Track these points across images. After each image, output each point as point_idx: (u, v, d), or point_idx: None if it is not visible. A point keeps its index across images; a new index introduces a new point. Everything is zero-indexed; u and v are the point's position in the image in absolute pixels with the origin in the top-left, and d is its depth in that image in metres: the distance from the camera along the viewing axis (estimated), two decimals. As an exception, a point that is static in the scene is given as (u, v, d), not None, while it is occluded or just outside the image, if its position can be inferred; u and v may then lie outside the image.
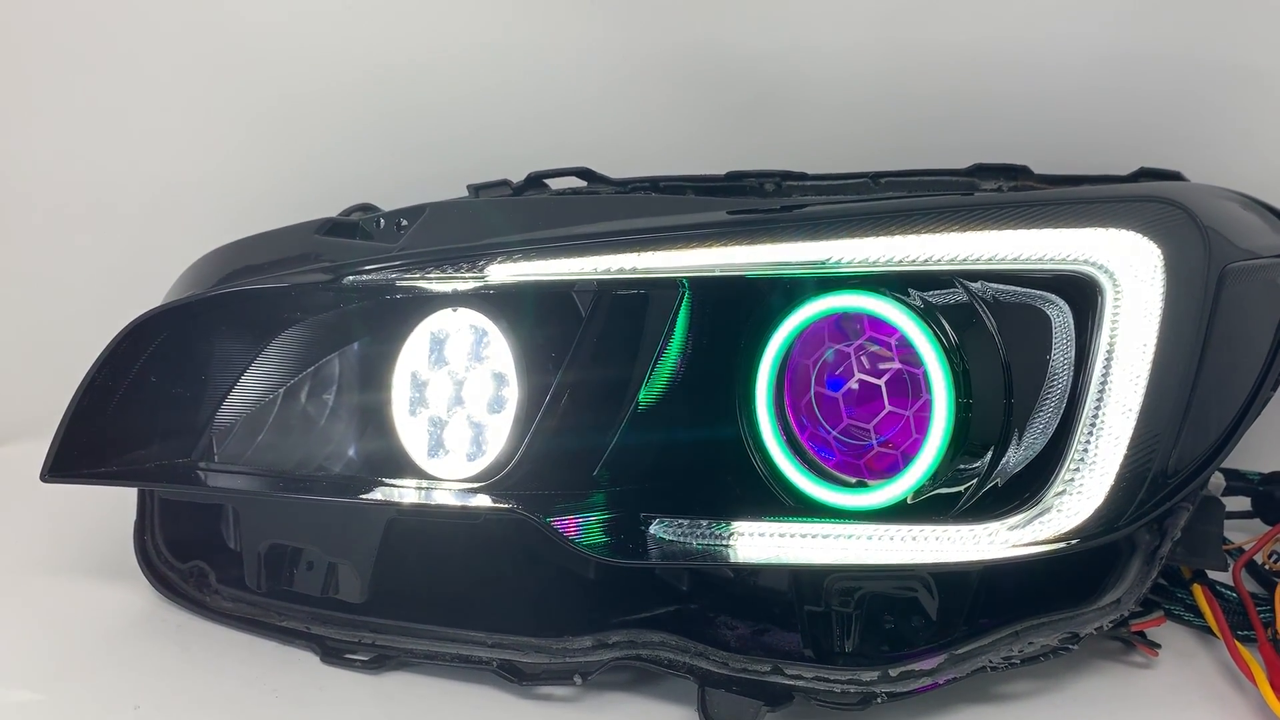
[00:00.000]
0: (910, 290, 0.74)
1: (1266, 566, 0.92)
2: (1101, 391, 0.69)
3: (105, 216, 1.34)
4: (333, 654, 0.87)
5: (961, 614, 0.76)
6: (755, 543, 0.75)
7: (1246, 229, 0.81)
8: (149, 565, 0.98)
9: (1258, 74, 1.08)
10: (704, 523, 0.76)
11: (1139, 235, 0.70)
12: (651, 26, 1.18)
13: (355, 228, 0.90)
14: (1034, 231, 0.70)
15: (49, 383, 1.02)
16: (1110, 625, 0.75)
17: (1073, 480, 0.69)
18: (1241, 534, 0.96)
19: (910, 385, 0.74)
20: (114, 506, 1.04)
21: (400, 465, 0.85)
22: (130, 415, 0.92)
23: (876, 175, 0.93)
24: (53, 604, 0.98)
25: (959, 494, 0.73)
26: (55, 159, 1.33)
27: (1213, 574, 0.85)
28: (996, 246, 0.70)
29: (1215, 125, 1.09)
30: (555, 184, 1.03)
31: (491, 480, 0.80)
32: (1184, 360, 0.69)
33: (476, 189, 1.04)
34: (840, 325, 0.76)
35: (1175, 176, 0.90)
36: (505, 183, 1.03)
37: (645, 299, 0.79)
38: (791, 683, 0.75)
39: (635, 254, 0.76)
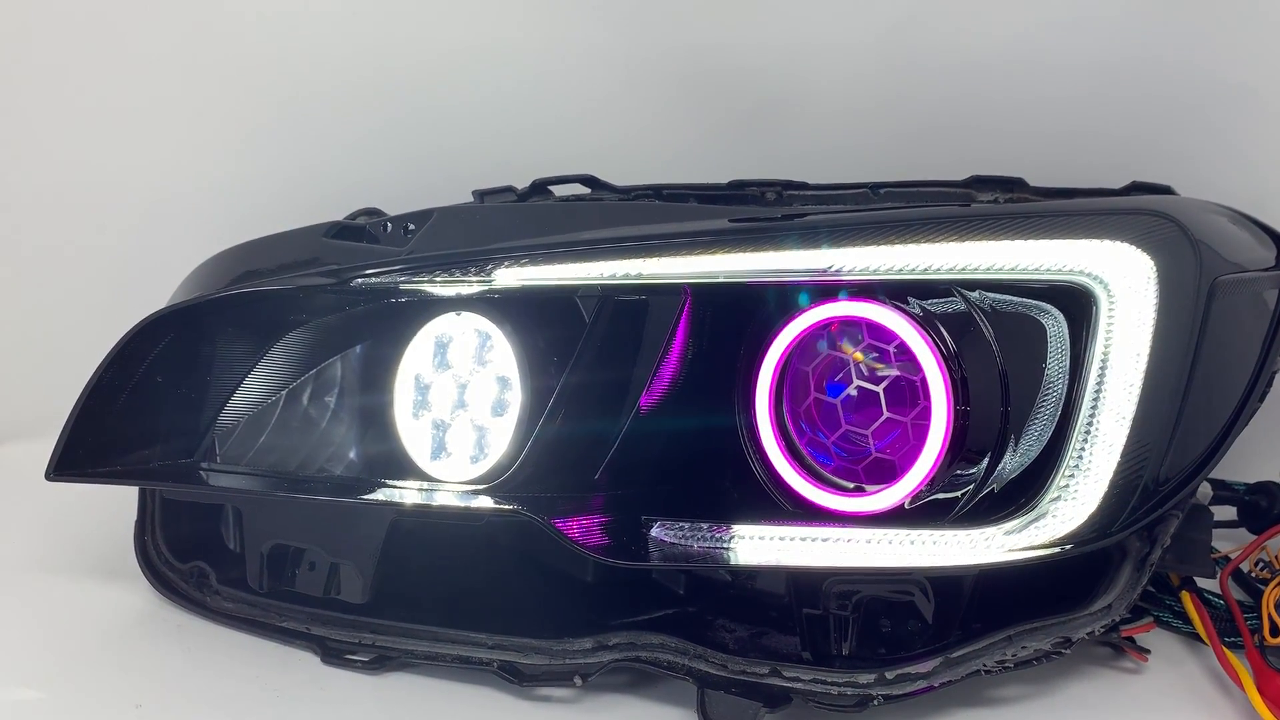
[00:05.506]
0: (909, 299, 0.75)
1: (1253, 574, 0.93)
2: (1096, 400, 0.70)
3: (109, 219, 1.34)
4: (333, 654, 0.88)
5: (956, 618, 0.77)
6: (755, 545, 0.75)
7: (1236, 243, 0.82)
8: (149, 565, 0.98)
9: (1247, 91, 1.10)
10: (704, 526, 0.77)
11: (1132, 247, 0.71)
12: (656, 37, 1.19)
13: (363, 231, 0.91)
14: (1030, 242, 0.71)
15: (49, 383, 1.03)
16: (1101, 630, 0.76)
17: (1068, 486, 0.70)
18: (1228, 543, 0.97)
19: (908, 392, 0.75)
20: (115, 507, 1.04)
21: (402, 468, 0.86)
22: (135, 415, 0.92)
23: (876, 186, 0.93)
24: (53, 604, 0.98)
25: (956, 499, 0.74)
26: (59, 160, 1.33)
27: (1201, 581, 0.86)
28: (994, 256, 0.71)
29: (1205, 141, 1.11)
30: (560, 191, 1.03)
31: (494, 483, 0.81)
32: (1176, 370, 0.70)
33: (482, 195, 1.04)
34: (840, 332, 0.77)
35: (1166, 190, 0.91)
36: (510, 189, 1.03)
37: (647, 305, 0.80)
38: (789, 685, 0.75)
39: (639, 260, 0.77)
